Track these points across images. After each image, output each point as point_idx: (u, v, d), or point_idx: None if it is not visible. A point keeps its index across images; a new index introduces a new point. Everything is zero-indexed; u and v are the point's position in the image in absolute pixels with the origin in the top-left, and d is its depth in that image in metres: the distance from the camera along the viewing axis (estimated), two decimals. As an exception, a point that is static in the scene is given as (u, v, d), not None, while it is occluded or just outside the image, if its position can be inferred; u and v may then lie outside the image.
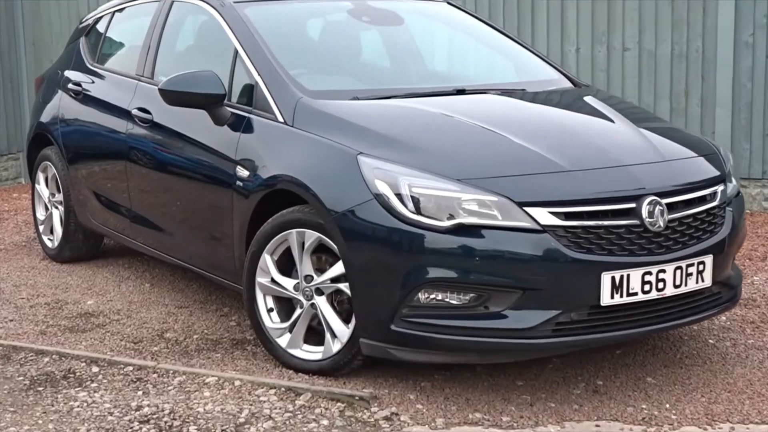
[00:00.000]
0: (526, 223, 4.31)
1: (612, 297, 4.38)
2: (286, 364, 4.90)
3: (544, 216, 4.32)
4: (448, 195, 4.35)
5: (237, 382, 4.73)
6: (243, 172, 5.05)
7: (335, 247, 4.61)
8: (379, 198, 4.41)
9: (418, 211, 4.34)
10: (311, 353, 4.83)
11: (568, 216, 4.36)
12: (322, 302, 4.76)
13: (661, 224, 4.46)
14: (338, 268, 4.64)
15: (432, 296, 4.38)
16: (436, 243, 4.32)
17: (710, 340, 5.34)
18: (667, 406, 4.58)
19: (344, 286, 4.65)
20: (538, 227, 4.31)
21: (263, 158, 4.99)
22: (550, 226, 4.32)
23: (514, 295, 4.32)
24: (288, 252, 4.85)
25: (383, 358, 4.61)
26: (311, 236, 4.72)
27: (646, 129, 5.07)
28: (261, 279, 4.93)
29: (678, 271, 4.51)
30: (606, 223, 4.39)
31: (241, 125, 5.17)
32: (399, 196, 4.38)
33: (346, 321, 4.70)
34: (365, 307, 4.50)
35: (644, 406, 4.57)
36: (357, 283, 4.50)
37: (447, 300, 4.38)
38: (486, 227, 4.31)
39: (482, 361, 4.64)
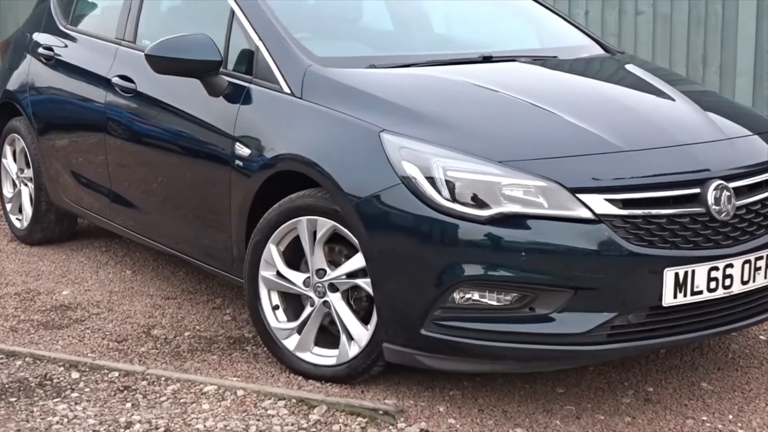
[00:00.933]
0: (579, 213, 3.72)
1: (675, 296, 3.81)
2: (294, 370, 4.31)
3: (599, 204, 3.74)
4: (488, 180, 3.76)
5: (240, 392, 4.13)
6: (243, 150, 4.43)
7: (353, 237, 4.01)
8: (408, 182, 3.81)
9: (453, 198, 3.75)
10: (324, 358, 4.24)
11: (626, 204, 3.78)
12: (336, 300, 4.16)
13: (729, 212, 3.89)
14: (356, 262, 4.05)
15: (469, 296, 3.79)
16: (475, 235, 3.74)
17: (762, 336, 4.80)
18: (731, 417, 4.04)
19: (363, 283, 4.05)
20: (593, 217, 3.73)
21: (267, 135, 4.37)
22: (607, 216, 3.74)
23: (565, 296, 3.74)
24: (296, 242, 4.25)
25: (409, 365, 4.02)
26: (324, 225, 4.11)
27: (700, 102, 4.48)
28: (265, 272, 4.32)
29: (746, 266, 3.95)
30: (669, 211, 3.82)
31: (240, 96, 4.54)
32: (431, 180, 3.79)
33: (365, 321, 4.12)
34: (390, 308, 3.91)
35: (705, 418, 4.02)
36: (380, 280, 3.91)
37: (486, 301, 3.80)
38: (533, 217, 3.73)
39: (523, 370, 4.07)
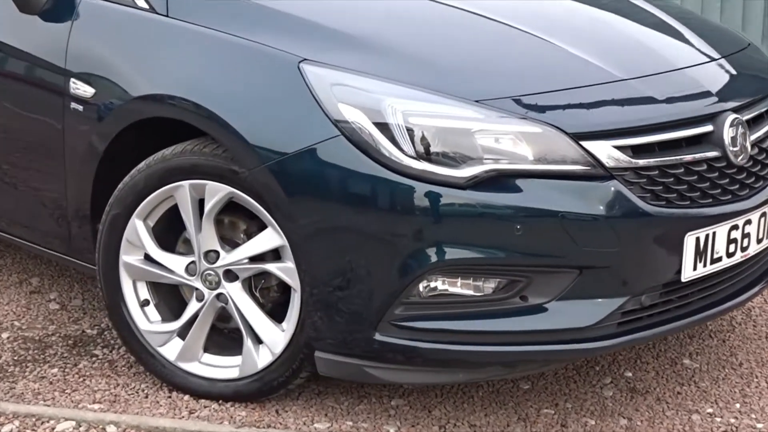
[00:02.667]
0: (584, 167, 2.76)
1: (695, 268, 2.94)
2: (177, 386, 3.19)
3: (607, 153, 2.80)
4: (464, 127, 2.74)
5: (112, 429, 2.97)
6: (83, 90, 3.20)
7: (263, 210, 2.92)
8: (351, 133, 2.74)
9: (419, 155, 2.70)
10: (220, 369, 3.14)
11: (636, 151, 2.85)
12: (235, 292, 3.06)
13: (747, 153, 3.04)
14: (265, 241, 2.97)
15: (437, 286, 2.78)
16: (452, 204, 2.71)
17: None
18: (738, 406, 3.25)
19: (276, 268, 2.97)
20: (603, 171, 2.78)
21: (120, 68, 3.16)
22: (618, 169, 2.80)
23: (567, 278, 2.80)
24: (172, 216, 3.10)
25: (350, 380, 3.00)
26: (217, 191, 2.99)
27: (689, 24, 3.59)
28: (128, 257, 3.15)
29: (762, 220, 3.13)
30: (685, 158, 2.91)
31: (72, 13, 3.28)
32: (384, 128, 2.72)
33: (277, 319, 3.04)
34: (325, 307, 2.85)
35: (710, 410, 3.22)
36: (309, 268, 2.84)
37: (461, 291, 2.80)
38: (526, 175, 2.74)
39: (506, 377, 3.10)
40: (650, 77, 3.03)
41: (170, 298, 3.22)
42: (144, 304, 3.20)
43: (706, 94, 3.08)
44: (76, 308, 3.81)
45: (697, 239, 2.91)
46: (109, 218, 3.14)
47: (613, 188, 2.77)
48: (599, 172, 2.77)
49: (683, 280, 2.93)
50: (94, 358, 3.44)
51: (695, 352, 3.56)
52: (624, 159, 2.80)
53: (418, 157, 2.70)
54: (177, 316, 3.18)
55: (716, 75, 3.21)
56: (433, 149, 2.71)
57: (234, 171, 2.94)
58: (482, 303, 2.80)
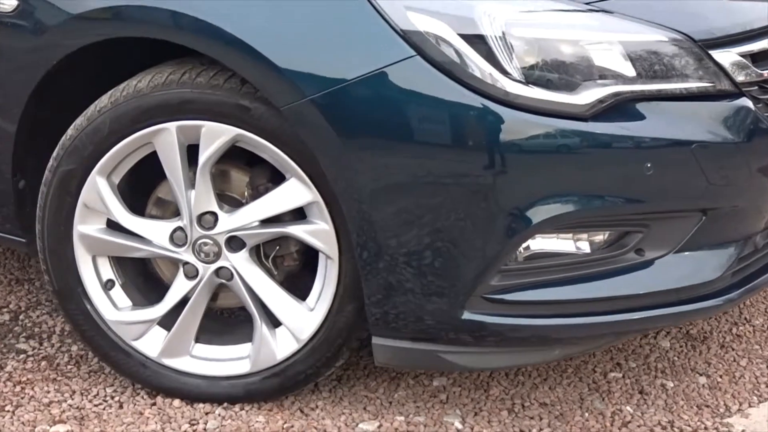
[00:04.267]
0: (710, 82, 2.18)
1: (807, 197, 2.43)
2: (163, 390, 2.44)
3: (734, 63, 2.22)
4: (580, 38, 2.08)
5: (96, 463, 2.22)
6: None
7: (284, 156, 2.19)
8: (429, 51, 2.04)
9: (528, 77, 2.04)
10: (223, 363, 2.42)
11: (756, 60, 2.29)
12: (242, 264, 2.33)
13: None
14: (289, 196, 2.24)
15: (540, 247, 2.16)
16: (570, 141, 2.07)
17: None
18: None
19: (302, 232, 2.26)
20: (732, 87, 2.20)
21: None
22: (746, 83, 2.24)
23: (688, 224, 2.23)
24: (140, 169, 2.32)
25: (416, 369, 2.36)
26: (219, 135, 2.23)
27: None
28: (85, 227, 2.36)
29: None
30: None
31: None
32: (475, 42, 2.04)
33: (298, 296, 2.35)
34: (393, 282, 2.16)
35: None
36: (370, 234, 2.14)
37: (569, 250, 2.19)
38: (652, 97, 2.12)
39: (595, 349, 2.51)
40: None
41: (138, 275, 2.46)
42: (108, 286, 2.42)
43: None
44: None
45: (812, 162, 2.39)
46: (56, 177, 2.32)
47: (744, 108, 2.20)
48: (729, 89, 2.19)
49: (797, 213, 2.41)
50: (22, 356, 2.62)
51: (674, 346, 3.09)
52: (753, 71, 2.23)
53: (525, 80, 2.04)
54: (151, 299, 2.43)
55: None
56: (542, 69, 2.05)
57: (243, 107, 2.18)
58: (591, 263, 2.20)
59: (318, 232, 2.25)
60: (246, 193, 2.34)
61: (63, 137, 2.32)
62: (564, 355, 2.34)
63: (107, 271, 2.41)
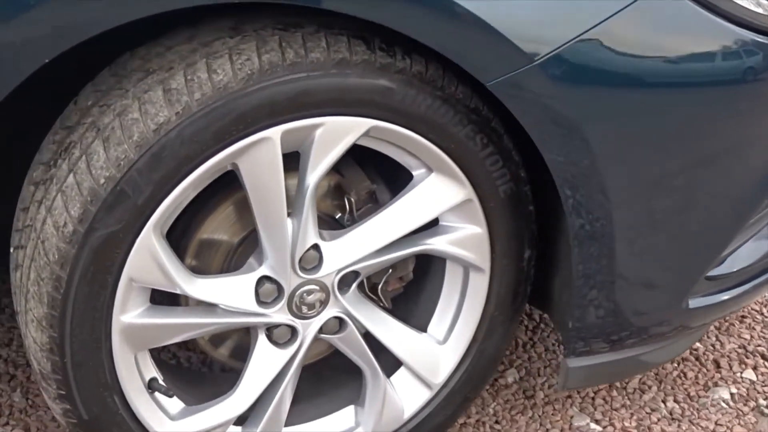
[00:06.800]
0: None
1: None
2: None
3: None
4: None
5: None
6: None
7: (433, 147, 1.53)
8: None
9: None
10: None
11: None
12: (356, 306, 1.65)
13: None
14: (435, 198, 1.60)
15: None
16: None
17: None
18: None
19: (444, 243, 1.64)
20: None
21: None
22: None
23: None
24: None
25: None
26: (346, 132, 1.50)
27: None
28: (129, 314, 1.50)
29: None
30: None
31: None
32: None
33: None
34: (605, 285, 1.63)
35: None
36: (596, 223, 1.57)
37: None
38: None
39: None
40: None
41: (170, 358, 1.65)
42: (152, 386, 1.57)
43: None
44: None
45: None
46: (87, 248, 1.42)
47: None
48: None
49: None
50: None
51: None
52: None
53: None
54: (204, 390, 1.64)
55: None
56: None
57: (385, 89, 1.48)
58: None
59: (466, 239, 1.64)
60: (351, 206, 1.62)
61: (89, 183, 1.40)
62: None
63: (148, 368, 1.57)
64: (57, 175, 1.44)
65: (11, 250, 1.53)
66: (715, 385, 2.08)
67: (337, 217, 1.63)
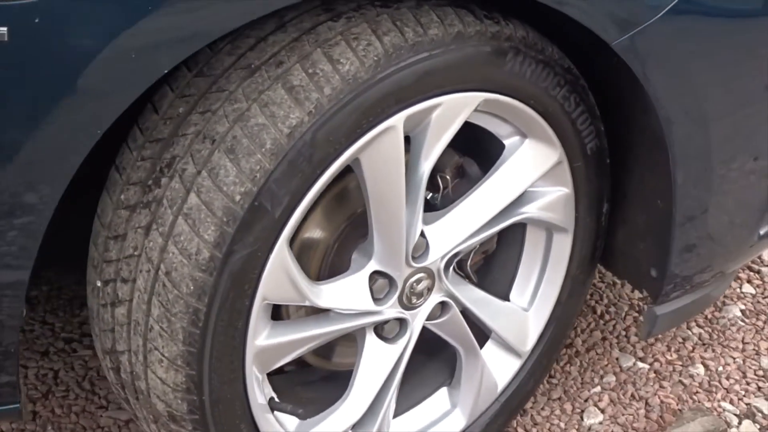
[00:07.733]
0: None
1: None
2: None
3: None
4: None
5: None
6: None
7: (534, 115, 1.48)
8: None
9: None
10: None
11: None
12: (457, 287, 1.57)
13: None
14: (533, 164, 1.55)
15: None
16: None
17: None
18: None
19: (535, 208, 1.59)
20: None
21: None
22: None
23: None
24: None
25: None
26: (461, 109, 1.41)
27: None
28: (261, 337, 1.37)
29: None
30: None
31: None
32: None
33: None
34: (701, 229, 1.63)
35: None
36: (701, 165, 1.56)
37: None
38: None
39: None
40: None
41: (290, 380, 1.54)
42: (272, 406, 1.46)
43: None
44: None
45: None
46: (226, 273, 1.27)
47: None
48: None
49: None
50: None
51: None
52: None
53: None
54: (308, 396, 1.55)
55: None
56: None
57: (499, 57, 1.39)
58: None
59: (555, 201, 1.59)
60: (446, 184, 1.53)
61: (221, 202, 1.25)
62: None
63: (268, 388, 1.44)
64: (167, 196, 1.28)
65: (98, 283, 1.36)
66: (724, 304, 2.13)
67: (428, 197, 1.54)
